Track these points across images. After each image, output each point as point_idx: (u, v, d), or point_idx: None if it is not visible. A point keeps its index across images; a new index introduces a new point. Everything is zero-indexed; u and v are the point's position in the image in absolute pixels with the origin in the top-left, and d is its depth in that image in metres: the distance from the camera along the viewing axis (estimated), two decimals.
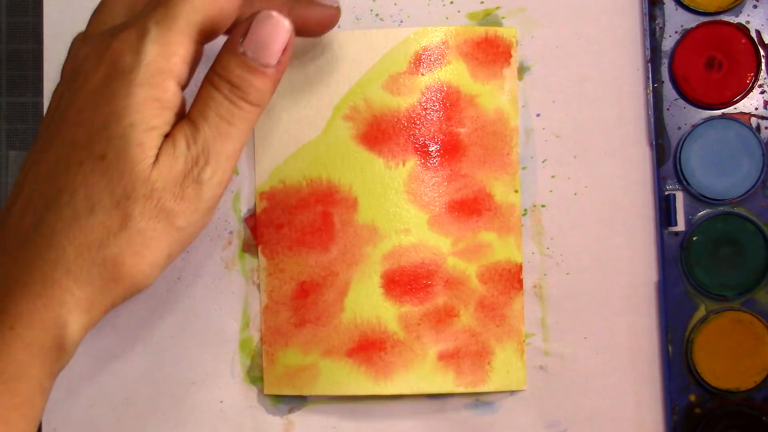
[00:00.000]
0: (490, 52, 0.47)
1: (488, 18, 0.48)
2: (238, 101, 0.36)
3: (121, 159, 0.34)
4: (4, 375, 0.34)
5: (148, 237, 0.35)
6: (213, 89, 0.36)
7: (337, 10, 0.41)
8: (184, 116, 0.36)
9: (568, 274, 0.47)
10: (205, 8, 0.35)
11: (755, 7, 0.47)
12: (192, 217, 0.36)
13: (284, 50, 0.36)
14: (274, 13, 0.36)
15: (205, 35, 0.36)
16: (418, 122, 0.46)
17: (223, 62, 0.36)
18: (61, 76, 0.38)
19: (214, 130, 0.36)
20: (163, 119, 0.35)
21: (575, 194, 0.47)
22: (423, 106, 0.46)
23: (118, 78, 0.35)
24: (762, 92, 0.47)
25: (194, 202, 0.36)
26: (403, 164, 0.46)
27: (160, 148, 0.35)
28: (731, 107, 0.47)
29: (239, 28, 0.36)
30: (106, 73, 0.35)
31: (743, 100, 0.47)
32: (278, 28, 0.36)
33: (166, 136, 0.35)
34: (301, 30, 0.40)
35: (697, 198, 0.47)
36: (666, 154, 0.47)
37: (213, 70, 0.36)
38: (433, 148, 0.46)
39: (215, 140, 0.36)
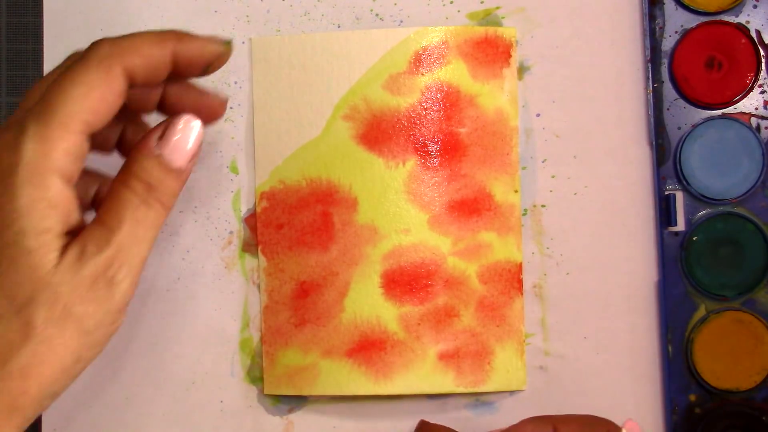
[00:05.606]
0: (490, 52, 0.47)
1: (488, 18, 0.48)
2: (153, 203, 0.35)
3: (17, 267, 0.32)
4: None
5: (54, 344, 0.33)
6: (129, 191, 0.35)
7: (221, 44, 0.37)
8: (76, 211, 0.34)
9: (568, 274, 0.47)
10: (89, 99, 0.33)
11: (755, 7, 0.47)
12: (103, 318, 0.34)
13: (195, 153, 0.37)
14: (192, 119, 0.36)
15: (89, 126, 0.34)
16: (418, 122, 0.46)
17: (140, 163, 0.35)
18: None
19: (131, 234, 0.34)
20: (53, 219, 0.33)
21: (575, 194, 0.47)
22: (423, 106, 0.46)
23: None
24: (762, 92, 0.47)
25: (105, 304, 0.34)
26: (403, 164, 0.46)
27: (63, 250, 0.33)
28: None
29: (155, 130, 0.36)
30: None
31: (743, 100, 0.47)
32: (193, 132, 0.36)
33: (72, 236, 0.34)
34: (184, 71, 0.37)
35: (697, 198, 0.47)
36: (666, 154, 0.47)
37: (128, 172, 0.35)
38: (433, 148, 0.46)
39: (131, 243, 0.34)
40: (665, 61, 0.47)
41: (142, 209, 0.35)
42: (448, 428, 0.45)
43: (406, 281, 0.46)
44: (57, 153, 0.33)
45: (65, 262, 0.33)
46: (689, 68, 0.47)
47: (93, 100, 0.33)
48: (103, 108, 0.34)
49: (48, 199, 0.33)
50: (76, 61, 0.34)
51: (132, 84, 0.35)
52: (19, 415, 0.33)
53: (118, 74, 0.34)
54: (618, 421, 0.45)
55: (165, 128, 0.36)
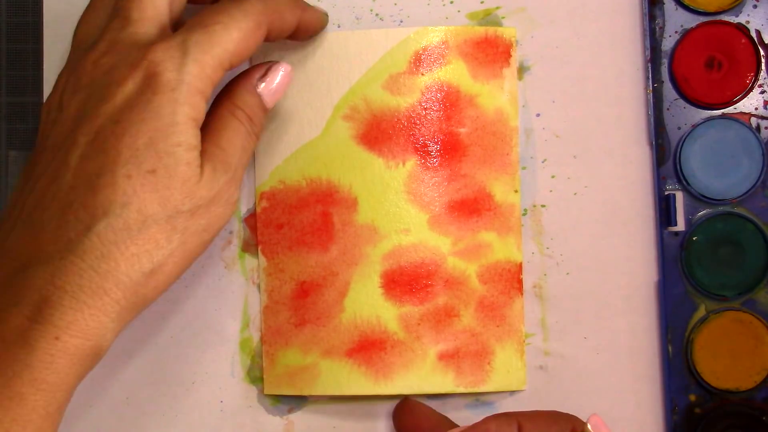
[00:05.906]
0: (490, 52, 0.47)
1: (488, 18, 0.48)
2: (252, 135, 0.40)
3: (172, 176, 0.36)
4: (45, 384, 0.34)
5: (185, 249, 0.37)
6: (237, 121, 0.39)
7: (326, 15, 0.45)
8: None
9: (568, 274, 0.47)
10: (240, 43, 0.38)
11: (755, 7, 0.47)
12: (215, 234, 0.38)
13: (279, 98, 0.42)
14: (290, 68, 0.41)
15: (230, 66, 0.38)
16: (418, 122, 0.46)
17: (245, 98, 0.40)
18: (77, 83, 0.38)
19: (240, 160, 0.39)
20: (198, 139, 0.37)
21: (575, 194, 0.47)
22: (423, 106, 0.46)
23: (159, 93, 0.36)
24: (762, 92, 0.47)
25: (221, 221, 0.38)
26: (403, 164, 0.46)
27: (201, 168, 0.37)
28: (731, 107, 0.47)
29: (257, 70, 0.41)
30: (143, 85, 0.36)
31: (743, 100, 0.47)
32: (287, 80, 0.41)
33: (202, 157, 0.37)
34: (294, 35, 0.43)
35: (697, 198, 0.47)
36: (666, 154, 0.47)
37: (233, 104, 0.40)
38: (433, 148, 0.46)
39: (239, 168, 0.39)
40: (665, 61, 0.47)
41: (249, 139, 0.40)
42: (430, 408, 0.45)
43: (406, 281, 0.46)
44: (207, 81, 0.37)
45: (204, 178, 0.37)
46: (689, 68, 0.47)
47: (241, 46, 0.38)
48: (244, 55, 0.38)
49: (197, 119, 0.37)
50: (234, 7, 0.38)
51: (264, 40, 0.40)
52: (144, 305, 0.37)
53: (263, 31, 0.39)
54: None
55: (267, 70, 0.41)
